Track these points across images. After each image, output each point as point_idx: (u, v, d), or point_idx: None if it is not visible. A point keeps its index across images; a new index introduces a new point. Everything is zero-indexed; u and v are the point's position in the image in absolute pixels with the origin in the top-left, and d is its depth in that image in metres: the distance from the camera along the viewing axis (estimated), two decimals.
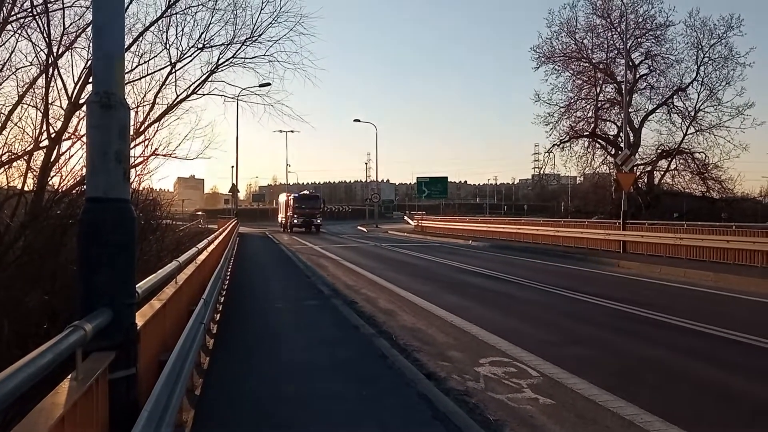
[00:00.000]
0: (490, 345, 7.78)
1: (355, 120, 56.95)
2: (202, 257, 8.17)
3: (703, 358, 7.25)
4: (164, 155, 15.23)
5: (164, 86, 15.30)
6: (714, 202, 33.60)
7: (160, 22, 14.90)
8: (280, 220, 54.01)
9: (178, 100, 15.66)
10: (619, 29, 33.95)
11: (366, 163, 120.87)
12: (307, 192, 55.55)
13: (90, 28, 11.54)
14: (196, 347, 5.25)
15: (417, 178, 67.26)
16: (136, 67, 14.57)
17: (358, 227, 53.85)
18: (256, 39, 17.04)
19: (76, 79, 12.87)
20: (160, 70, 15.31)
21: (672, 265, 17.53)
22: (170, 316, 4.87)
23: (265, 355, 7.24)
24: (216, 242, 12.06)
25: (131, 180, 3.71)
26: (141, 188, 15.01)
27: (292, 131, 69.36)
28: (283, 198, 53.48)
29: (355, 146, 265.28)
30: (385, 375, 6.19)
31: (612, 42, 35.52)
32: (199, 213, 68.39)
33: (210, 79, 16.70)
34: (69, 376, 2.41)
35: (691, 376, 6.49)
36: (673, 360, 7.11)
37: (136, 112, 14.28)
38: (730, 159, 33.36)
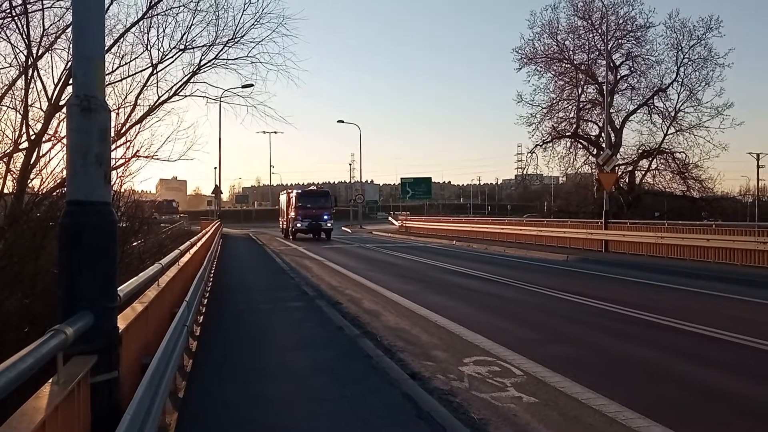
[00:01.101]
0: (474, 344, 7.83)
1: (338, 121, 56.84)
2: (184, 259, 8.12)
3: (686, 356, 7.36)
4: (146, 157, 15.08)
5: (146, 88, 15.14)
6: (694, 202, 34.06)
7: (141, 23, 14.74)
8: (281, 224, 43.40)
9: (159, 101, 15.52)
10: (600, 30, 34.27)
11: (350, 164, 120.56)
12: (314, 188, 46.64)
13: (70, 29, 11.49)
14: (179, 350, 5.23)
15: (401, 178, 67.64)
16: (117, 68, 14.43)
17: (343, 228, 53.53)
18: (239, 40, 16.92)
19: (56, 81, 12.73)
20: (141, 71, 15.14)
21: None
22: (153, 318, 4.84)
23: (248, 356, 7.21)
24: (199, 244, 11.98)
25: (112, 182, 3.68)
26: (122, 190, 14.85)
27: (275, 132, 69.66)
28: (284, 197, 42.19)
29: (339, 147, 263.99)
30: (369, 375, 6.20)
31: (593, 43, 35.87)
32: (182, 215, 67.83)
33: (192, 80, 16.55)
34: (50, 380, 2.40)
35: (674, 373, 6.59)
36: (656, 358, 7.21)
37: (117, 114, 14.13)
38: (710, 159, 33.82)
